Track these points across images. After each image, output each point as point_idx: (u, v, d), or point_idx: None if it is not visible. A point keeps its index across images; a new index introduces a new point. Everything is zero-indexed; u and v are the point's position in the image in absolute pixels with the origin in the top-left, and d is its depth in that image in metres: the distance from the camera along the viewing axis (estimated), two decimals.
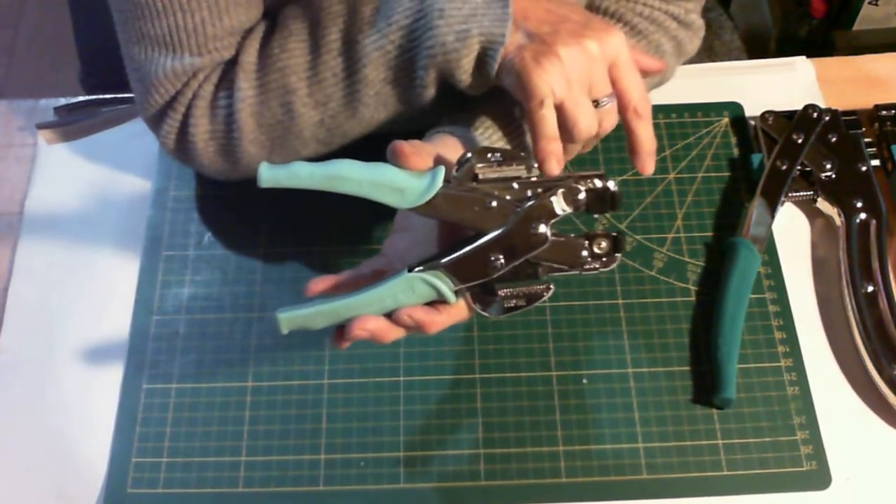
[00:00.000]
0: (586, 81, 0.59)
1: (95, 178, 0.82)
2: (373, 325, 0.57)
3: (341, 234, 0.78)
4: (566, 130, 0.59)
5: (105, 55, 0.72)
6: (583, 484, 0.67)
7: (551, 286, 0.59)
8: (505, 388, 0.71)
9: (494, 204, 0.57)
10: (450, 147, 0.63)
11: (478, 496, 0.67)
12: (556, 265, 0.59)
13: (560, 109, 0.59)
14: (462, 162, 0.58)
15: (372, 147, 0.61)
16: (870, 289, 0.72)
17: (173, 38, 0.67)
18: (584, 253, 0.58)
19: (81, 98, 0.86)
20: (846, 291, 0.73)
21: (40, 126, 0.84)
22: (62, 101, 0.86)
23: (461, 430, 0.69)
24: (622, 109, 0.61)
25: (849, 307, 0.72)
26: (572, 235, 0.59)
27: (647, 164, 0.62)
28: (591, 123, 0.59)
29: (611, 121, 0.62)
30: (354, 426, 0.70)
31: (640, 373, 0.71)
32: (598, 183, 0.58)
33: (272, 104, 0.67)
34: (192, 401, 0.71)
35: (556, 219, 0.57)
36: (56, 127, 0.84)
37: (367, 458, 0.69)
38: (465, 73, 0.62)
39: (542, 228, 0.57)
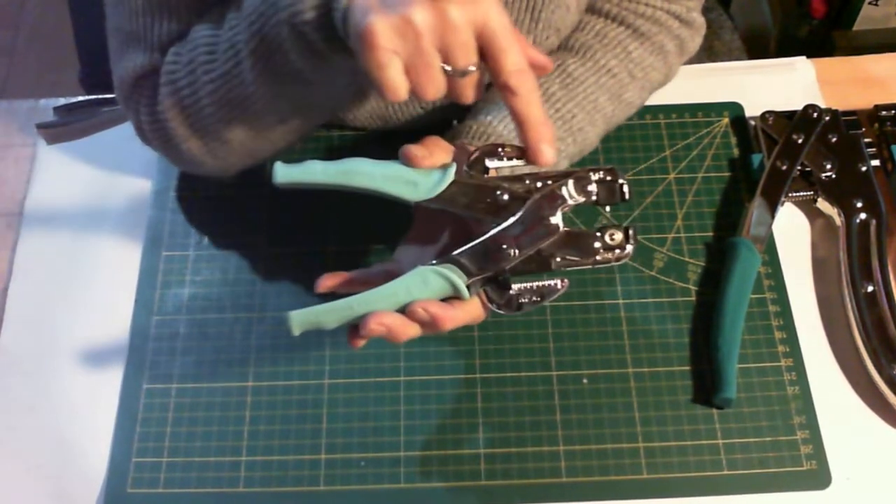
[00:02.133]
0: (440, 49, 0.52)
1: (95, 178, 0.82)
2: (389, 320, 0.56)
3: (342, 235, 0.78)
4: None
5: (105, 55, 0.72)
6: (583, 484, 0.67)
7: (566, 280, 0.59)
8: (505, 388, 0.71)
9: (506, 196, 0.57)
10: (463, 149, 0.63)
11: (478, 496, 0.67)
12: (569, 257, 0.58)
13: (406, 73, 0.52)
14: (474, 158, 0.58)
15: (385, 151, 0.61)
16: (870, 289, 0.72)
17: (146, 35, 0.67)
18: (597, 244, 0.58)
19: (81, 98, 0.86)
20: (846, 291, 0.73)
21: (40, 126, 0.84)
22: (62, 101, 0.86)
23: (461, 430, 0.69)
24: (495, 81, 0.54)
25: (849, 307, 0.72)
26: (585, 229, 0.59)
27: (540, 154, 0.55)
28: (434, 92, 0.52)
29: (470, 91, 0.54)
30: (355, 426, 0.70)
31: (640, 373, 0.71)
32: (608, 176, 0.58)
33: (184, 81, 0.65)
34: (192, 401, 0.71)
35: (567, 207, 0.57)
36: (56, 127, 0.84)
37: (368, 458, 0.69)
38: (312, 29, 0.56)
39: (554, 218, 0.57)
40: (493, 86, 0.54)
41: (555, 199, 0.57)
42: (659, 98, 0.81)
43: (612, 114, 0.74)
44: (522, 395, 0.71)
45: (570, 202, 0.57)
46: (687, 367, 0.72)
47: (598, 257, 0.58)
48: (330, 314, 0.57)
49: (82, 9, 1.07)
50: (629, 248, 0.58)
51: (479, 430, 0.69)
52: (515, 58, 0.53)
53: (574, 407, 0.70)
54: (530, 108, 0.54)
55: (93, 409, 0.71)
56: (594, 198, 0.58)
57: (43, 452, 0.70)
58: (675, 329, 0.73)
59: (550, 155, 0.54)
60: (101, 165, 0.82)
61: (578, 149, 0.73)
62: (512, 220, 0.57)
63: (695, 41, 0.79)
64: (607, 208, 0.78)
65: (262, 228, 0.79)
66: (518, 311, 0.59)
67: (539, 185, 0.58)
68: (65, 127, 0.84)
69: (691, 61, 0.81)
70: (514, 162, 0.58)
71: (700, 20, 0.79)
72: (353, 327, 0.58)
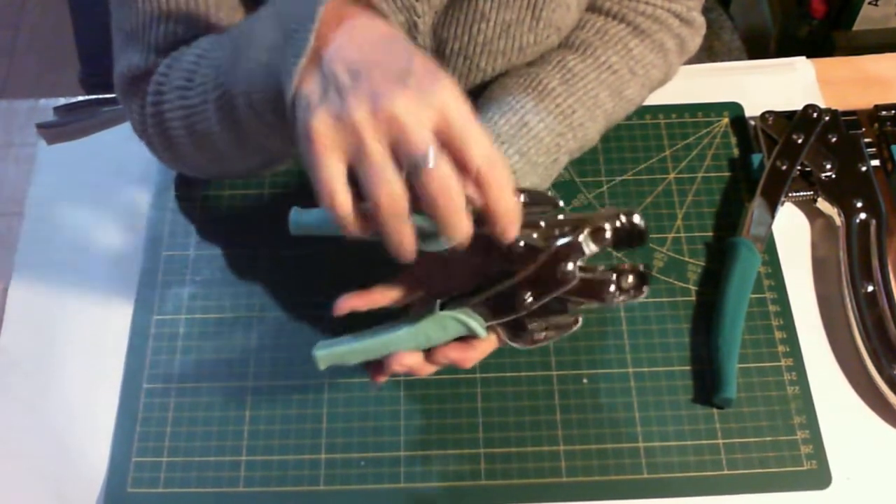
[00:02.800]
0: (385, 144, 0.48)
1: (95, 178, 0.82)
2: (410, 361, 0.59)
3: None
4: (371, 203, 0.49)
5: (105, 55, 0.72)
6: (583, 484, 0.67)
7: (580, 319, 0.60)
8: (505, 388, 0.71)
9: (523, 244, 0.57)
10: None
11: (478, 496, 0.67)
12: (584, 301, 0.59)
13: (357, 175, 0.49)
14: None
15: None
16: (870, 289, 0.72)
17: (144, 36, 0.68)
18: (612, 288, 0.58)
19: (81, 98, 0.86)
20: (846, 291, 0.73)
21: (40, 126, 0.84)
22: (62, 101, 0.86)
23: (461, 430, 0.69)
24: (464, 178, 0.49)
25: (849, 307, 0.72)
26: (600, 269, 0.59)
27: (505, 238, 0.52)
28: (392, 194, 0.48)
29: (436, 185, 0.48)
30: (355, 426, 0.70)
31: (640, 373, 0.71)
32: (625, 219, 0.58)
33: (168, 96, 0.65)
34: (192, 401, 0.71)
35: (584, 257, 0.57)
36: (56, 127, 0.84)
37: (368, 458, 0.69)
38: (266, 111, 0.55)
39: (570, 267, 0.57)
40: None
41: (571, 250, 0.57)
42: (659, 98, 0.81)
43: (612, 110, 0.74)
44: (522, 395, 0.71)
45: (587, 252, 0.57)
46: (687, 367, 0.72)
47: (613, 301, 0.59)
48: (353, 355, 0.60)
49: (82, 9, 1.08)
50: (645, 289, 0.58)
51: (479, 430, 0.69)
52: (483, 150, 0.49)
53: (574, 407, 0.70)
54: (501, 201, 0.50)
55: (93, 409, 0.71)
56: (611, 245, 0.58)
57: (43, 452, 0.70)
58: (675, 329, 0.73)
59: (513, 234, 0.52)
60: (101, 165, 0.82)
61: (578, 144, 0.73)
62: (529, 270, 0.57)
63: (695, 41, 0.79)
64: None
65: (263, 228, 0.79)
66: (533, 345, 0.60)
67: (556, 231, 0.58)
68: (65, 127, 0.84)
69: (691, 61, 0.81)
70: (532, 209, 0.58)
71: (700, 20, 0.79)
72: (377, 364, 0.60)
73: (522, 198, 0.58)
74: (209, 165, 0.70)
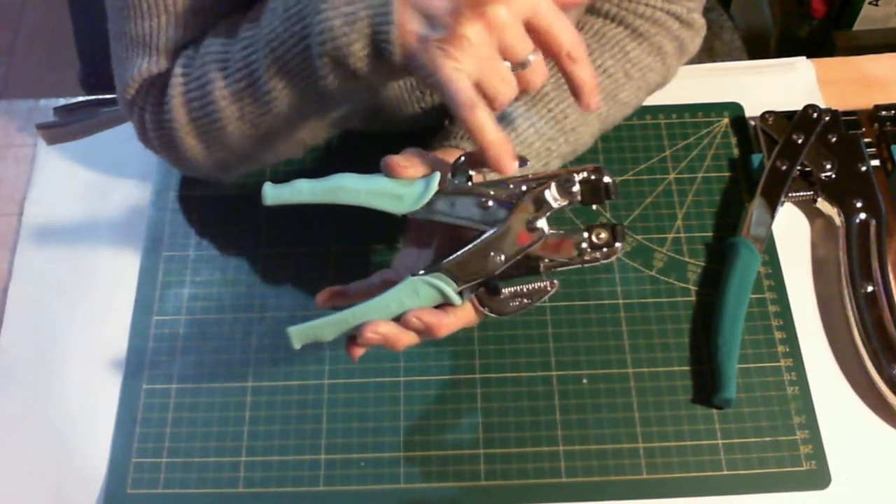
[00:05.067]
0: (499, 50, 0.55)
1: (95, 178, 0.82)
2: (384, 329, 0.58)
3: (342, 235, 0.78)
4: (489, 103, 0.56)
5: (105, 55, 0.72)
6: (583, 484, 0.67)
7: (555, 282, 0.59)
8: (505, 388, 0.71)
9: (491, 203, 0.57)
10: (450, 156, 0.63)
11: (478, 496, 0.67)
12: (557, 259, 0.59)
13: (478, 86, 0.55)
14: (457, 166, 0.59)
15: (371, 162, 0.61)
16: (870, 289, 0.72)
17: (152, 40, 0.68)
18: (584, 245, 0.58)
19: (81, 98, 0.86)
20: (846, 291, 0.73)
21: (40, 126, 0.84)
22: (62, 101, 0.86)
23: (461, 430, 0.69)
24: (555, 58, 0.57)
25: (849, 307, 0.72)
26: (571, 229, 0.59)
27: (592, 102, 0.59)
28: (510, 91, 0.56)
29: (539, 77, 0.57)
30: (354, 426, 0.70)
31: (640, 373, 0.71)
32: (593, 175, 0.58)
33: (195, 93, 0.66)
34: (192, 401, 0.71)
35: (552, 211, 0.57)
36: (56, 127, 0.84)
37: (367, 458, 0.69)
38: (359, 59, 0.58)
39: (539, 222, 0.57)
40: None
41: (539, 204, 0.57)
42: (659, 98, 0.81)
43: (606, 114, 0.74)
44: (522, 395, 0.71)
45: (555, 205, 0.58)
46: (687, 367, 0.72)
47: (585, 257, 0.59)
48: (327, 327, 0.58)
49: (82, 9, 1.08)
50: (617, 245, 0.58)
51: (479, 430, 0.69)
52: (569, 35, 0.56)
53: (574, 407, 0.70)
54: (587, 67, 0.58)
55: (93, 409, 0.71)
56: (579, 198, 0.58)
57: (43, 452, 0.70)
58: (675, 329, 0.73)
59: (596, 101, 0.59)
60: (101, 165, 0.82)
61: (571, 148, 0.73)
62: (498, 226, 0.57)
63: (695, 42, 0.79)
64: (608, 208, 0.78)
65: (263, 229, 0.79)
66: (510, 314, 0.60)
67: (524, 188, 0.58)
68: (65, 127, 0.84)
69: (691, 61, 0.81)
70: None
71: (700, 21, 0.78)
72: (351, 338, 0.59)
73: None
74: (249, 146, 0.69)
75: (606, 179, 0.58)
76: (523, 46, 0.55)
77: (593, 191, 0.58)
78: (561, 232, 0.59)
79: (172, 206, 0.80)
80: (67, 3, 1.08)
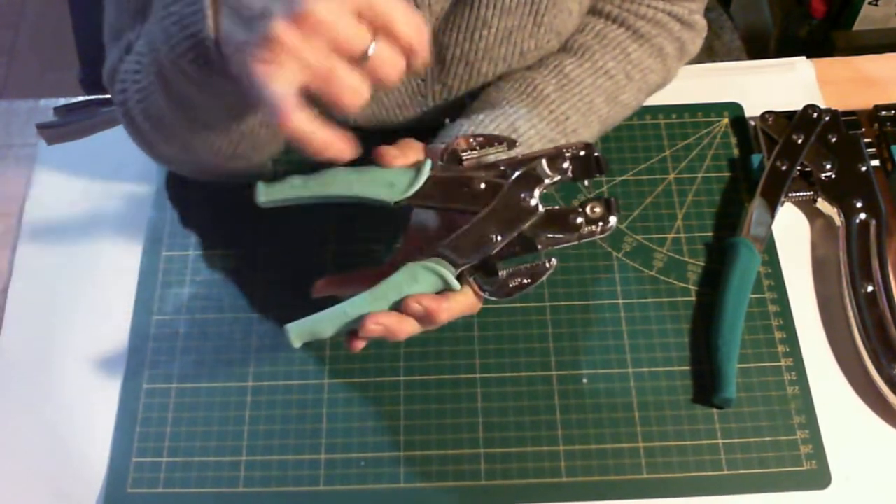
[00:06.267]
0: (331, 49, 0.49)
1: (95, 178, 0.82)
2: (385, 320, 0.57)
3: (341, 234, 0.78)
4: (332, 109, 0.51)
5: (105, 55, 0.72)
6: (583, 484, 0.67)
7: (553, 260, 0.59)
8: (505, 388, 0.71)
9: (483, 185, 0.58)
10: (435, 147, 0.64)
11: (478, 496, 0.67)
12: (553, 236, 0.59)
13: (313, 94, 0.50)
14: (447, 151, 0.59)
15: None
16: (870, 289, 0.72)
17: (125, 35, 0.68)
18: (579, 220, 0.58)
19: (81, 98, 0.86)
20: (846, 291, 0.73)
21: (40, 126, 0.84)
22: (62, 101, 0.86)
23: (461, 430, 0.69)
24: (404, 52, 0.51)
25: (849, 307, 0.72)
26: (565, 206, 0.59)
27: (418, 56, 0.52)
28: (351, 93, 0.50)
29: (391, 68, 0.51)
30: (354, 426, 0.70)
31: (640, 373, 0.71)
32: (582, 151, 0.58)
33: (127, 85, 0.65)
34: (192, 401, 0.71)
35: (545, 187, 0.58)
36: (56, 127, 0.84)
37: (367, 458, 0.69)
38: (187, 65, 0.55)
39: (533, 199, 0.57)
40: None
41: (531, 180, 0.58)
42: (659, 98, 0.81)
43: (607, 115, 0.74)
44: (522, 395, 0.71)
45: (547, 181, 0.58)
46: (687, 367, 0.72)
47: (582, 231, 0.59)
48: (326, 322, 0.58)
49: (82, 9, 1.08)
50: (612, 219, 0.59)
51: (479, 430, 0.69)
52: (407, 18, 0.51)
53: (574, 407, 0.70)
54: (422, 45, 0.52)
55: (92, 408, 0.71)
56: (570, 174, 0.58)
57: (43, 452, 0.70)
58: (675, 329, 0.73)
59: (424, 57, 0.52)
60: (101, 165, 0.82)
61: None
62: (491, 206, 0.57)
63: (696, 43, 0.79)
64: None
65: (262, 228, 0.79)
66: (510, 295, 0.59)
67: (515, 168, 0.58)
68: (65, 127, 0.84)
69: (691, 61, 0.81)
70: (487, 150, 0.59)
71: (702, 22, 0.79)
72: (351, 332, 0.59)
73: (480, 139, 0.59)
74: (179, 155, 0.68)
75: (596, 154, 0.58)
76: (358, 40, 0.49)
77: (584, 166, 0.58)
78: (555, 208, 0.59)
79: (172, 206, 0.80)
80: (67, 3, 1.08)
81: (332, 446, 0.69)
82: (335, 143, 0.51)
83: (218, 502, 0.67)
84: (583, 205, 0.59)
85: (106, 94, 0.84)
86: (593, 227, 0.59)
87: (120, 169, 0.82)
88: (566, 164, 0.58)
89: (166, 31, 0.55)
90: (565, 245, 0.59)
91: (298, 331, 0.58)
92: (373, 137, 0.81)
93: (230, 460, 0.69)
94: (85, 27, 1.09)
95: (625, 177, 0.80)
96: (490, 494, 0.67)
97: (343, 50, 0.49)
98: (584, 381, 0.71)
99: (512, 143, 0.59)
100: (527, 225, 0.58)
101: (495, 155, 0.61)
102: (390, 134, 0.80)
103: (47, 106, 0.86)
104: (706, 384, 0.71)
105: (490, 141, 0.59)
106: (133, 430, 0.70)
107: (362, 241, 0.77)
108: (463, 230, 0.58)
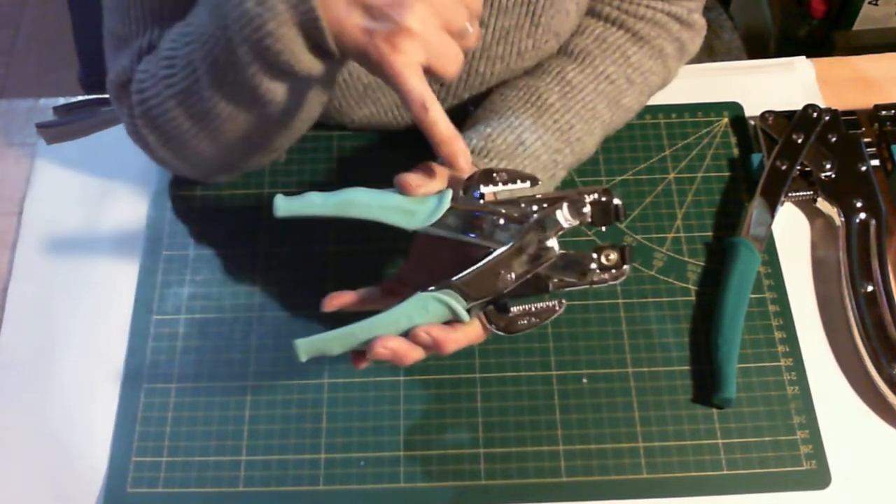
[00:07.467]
0: (444, 30, 0.55)
1: (95, 178, 0.82)
2: (393, 344, 0.57)
3: (342, 235, 0.78)
4: (438, 79, 0.56)
5: (104, 55, 0.72)
6: (583, 483, 0.67)
7: (563, 301, 0.60)
8: (505, 388, 0.71)
9: (502, 221, 0.58)
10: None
11: (478, 496, 0.67)
12: (565, 279, 0.59)
13: (427, 69, 0.55)
14: (469, 183, 0.59)
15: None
16: (870, 289, 0.72)
17: (134, 42, 0.68)
18: (593, 266, 0.59)
19: (81, 98, 0.86)
20: (846, 291, 0.73)
21: (40, 126, 0.84)
22: (62, 101, 0.86)
23: (461, 429, 0.69)
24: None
25: (849, 307, 0.72)
26: (581, 251, 0.59)
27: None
28: (457, 66, 0.56)
29: (476, 40, 0.57)
30: (354, 426, 0.70)
31: (640, 373, 0.71)
32: (602, 197, 0.58)
33: (150, 93, 0.65)
34: (192, 401, 0.71)
35: (563, 231, 0.58)
36: (56, 127, 0.84)
37: (367, 457, 0.69)
38: (288, 50, 0.56)
39: (550, 242, 0.58)
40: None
41: (550, 224, 0.58)
42: (659, 98, 0.81)
43: (609, 120, 0.74)
44: (522, 395, 0.71)
45: (566, 225, 0.58)
46: (687, 367, 0.72)
47: (594, 278, 0.59)
48: (334, 342, 0.59)
49: (82, 9, 1.08)
50: (626, 268, 0.59)
51: (479, 430, 0.69)
52: (478, 3, 0.57)
53: (574, 407, 0.70)
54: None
55: (92, 408, 0.71)
56: (589, 219, 0.59)
57: (43, 452, 0.70)
58: (675, 329, 0.73)
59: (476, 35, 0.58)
60: (101, 165, 0.82)
61: (576, 158, 0.73)
62: (508, 247, 0.57)
63: (695, 43, 0.79)
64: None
65: (262, 228, 0.79)
66: (516, 332, 0.60)
67: (535, 208, 0.58)
68: (65, 127, 0.84)
69: (691, 61, 0.81)
70: (510, 186, 0.59)
71: (701, 22, 0.78)
72: (357, 351, 0.59)
73: (503, 175, 0.59)
74: (211, 152, 0.68)
75: (616, 202, 0.59)
76: (462, 18, 0.55)
77: (603, 212, 0.59)
78: (571, 252, 0.59)
79: (172, 206, 0.80)
80: (67, 3, 1.08)
81: (331, 446, 0.69)
82: (456, 141, 0.55)
83: (218, 502, 0.67)
84: (598, 250, 0.59)
85: (106, 94, 0.84)
86: (606, 275, 0.59)
87: (120, 168, 0.82)
88: (586, 209, 0.58)
89: (245, 13, 0.55)
90: (575, 288, 0.60)
91: (306, 347, 0.59)
92: (375, 140, 0.82)
93: (230, 460, 0.69)
94: (85, 27, 1.09)
95: (625, 176, 0.80)
96: (490, 494, 0.67)
97: (453, 29, 0.55)
98: (584, 380, 0.71)
99: (535, 182, 0.59)
100: (542, 267, 0.58)
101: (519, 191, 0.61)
102: (391, 135, 0.80)
103: (47, 105, 0.86)
104: (706, 384, 0.71)
105: (513, 177, 0.59)
106: (133, 429, 0.70)
107: (363, 241, 0.77)
108: (478, 267, 0.58)
